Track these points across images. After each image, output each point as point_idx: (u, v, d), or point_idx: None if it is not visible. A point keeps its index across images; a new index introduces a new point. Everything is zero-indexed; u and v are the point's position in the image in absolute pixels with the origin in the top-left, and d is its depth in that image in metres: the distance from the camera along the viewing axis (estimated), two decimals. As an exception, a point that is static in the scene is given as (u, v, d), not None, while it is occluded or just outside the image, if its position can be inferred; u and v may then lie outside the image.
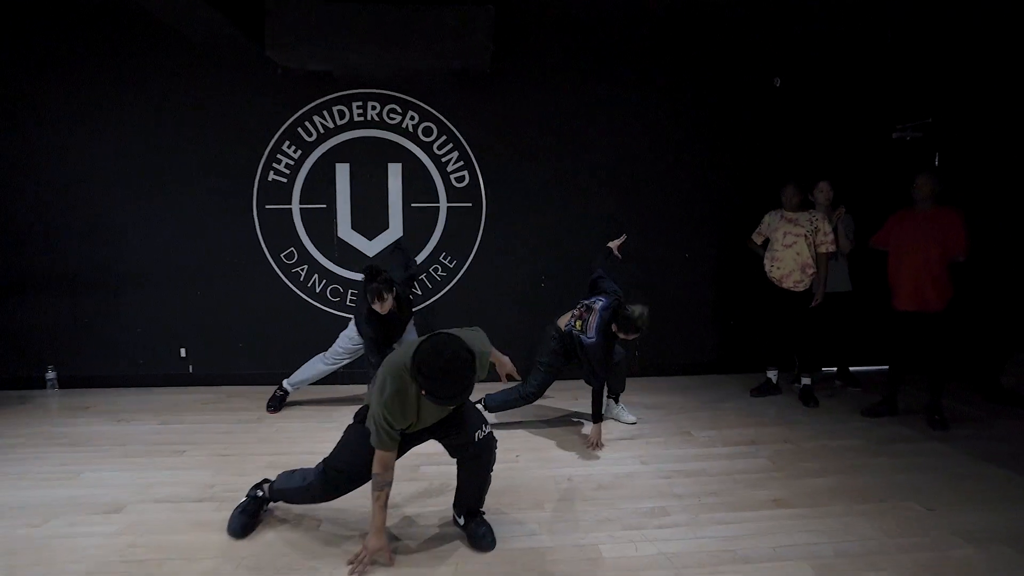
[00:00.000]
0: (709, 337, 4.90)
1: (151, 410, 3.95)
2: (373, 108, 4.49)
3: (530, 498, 2.65)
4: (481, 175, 4.58)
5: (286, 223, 4.52)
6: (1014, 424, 3.67)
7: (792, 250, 3.99)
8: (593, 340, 3.21)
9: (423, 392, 1.88)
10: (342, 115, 4.48)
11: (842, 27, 4.45)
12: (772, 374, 4.32)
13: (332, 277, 4.56)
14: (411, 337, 3.67)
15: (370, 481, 2.07)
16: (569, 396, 4.18)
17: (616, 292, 3.34)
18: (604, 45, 4.54)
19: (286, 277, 4.55)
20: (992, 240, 4.40)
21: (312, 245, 4.55)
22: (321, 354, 3.93)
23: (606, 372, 3.34)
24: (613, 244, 3.77)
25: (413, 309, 3.92)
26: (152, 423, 3.69)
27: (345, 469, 2.16)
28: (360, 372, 4.13)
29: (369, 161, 4.52)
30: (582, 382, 3.57)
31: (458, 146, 4.55)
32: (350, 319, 3.87)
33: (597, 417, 3.30)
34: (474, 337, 2.10)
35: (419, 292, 4.59)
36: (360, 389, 4.27)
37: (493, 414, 3.61)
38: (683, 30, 4.55)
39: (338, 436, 2.24)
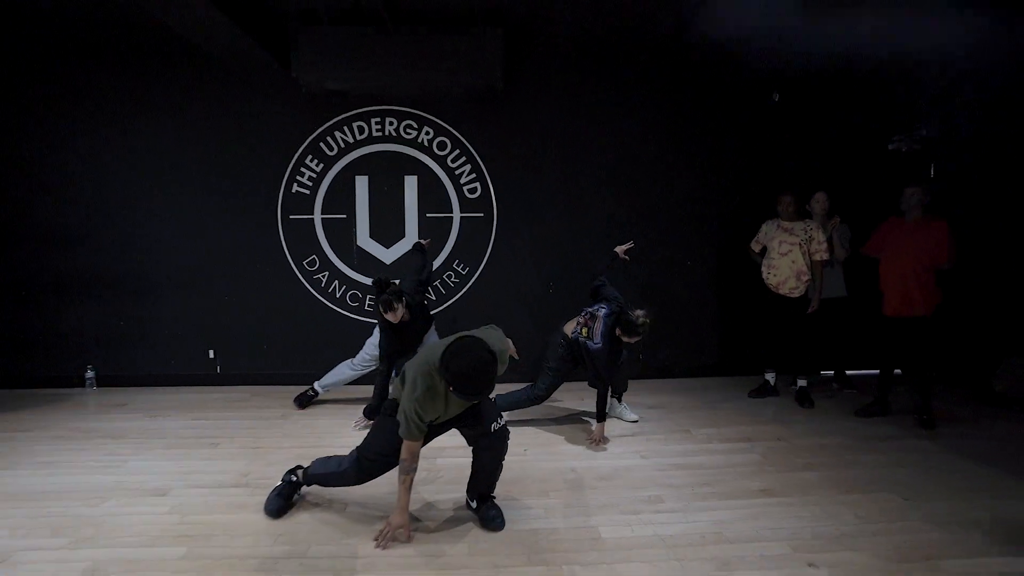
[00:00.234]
0: (710, 341, 5.11)
1: (183, 407, 4.23)
2: (391, 124, 4.77)
3: (537, 487, 2.87)
4: (492, 186, 4.84)
5: (309, 232, 4.80)
6: (1002, 425, 3.83)
7: (788, 258, 4.19)
8: (599, 346, 3.44)
9: (450, 388, 2.14)
10: (361, 131, 4.76)
11: (838, 44, 4.64)
12: (770, 376, 4.51)
13: (352, 283, 4.83)
14: (432, 339, 3.90)
15: (397, 466, 2.32)
16: (575, 397, 4.40)
17: (617, 299, 3.57)
18: (608, 64, 4.79)
19: (308, 283, 4.83)
20: (986, 248, 4.58)
21: (333, 253, 4.82)
22: (349, 360, 4.17)
23: (612, 375, 3.58)
24: (620, 249, 3.96)
25: (431, 313, 4.13)
26: (185, 419, 3.96)
27: (377, 457, 2.43)
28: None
29: (387, 174, 4.79)
30: (588, 384, 3.78)
31: (470, 159, 4.81)
32: (374, 324, 4.10)
33: (601, 417, 3.52)
34: (494, 336, 2.38)
35: (433, 298, 4.85)
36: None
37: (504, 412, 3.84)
38: (684, 49, 4.77)
39: (359, 431, 2.49)
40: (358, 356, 4.13)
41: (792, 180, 4.74)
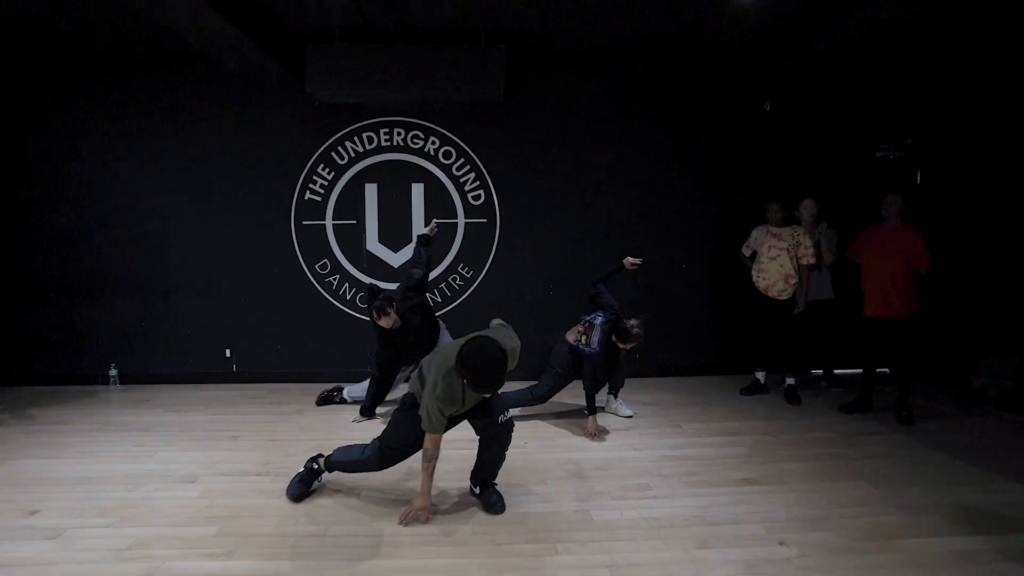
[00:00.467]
0: (705, 341, 5.33)
1: (203, 403, 4.49)
2: (398, 134, 5.01)
3: (535, 476, 3.11)
4: (495, 193, 5.08)
5: (320, 237, 5.05)
6: (978, 421, 4.03)
7: (776, 262, 4.41)
8: (596, 351, 3.72)
9: (464, 381, 2.40)
10: (371, 141, 5.01)
11: (829, 56, 4.83)
12: (760, 375, 4.73)
13: (361, 285, 5.07)
14: (446, 339, 4.12)
15: (414, 455, 2.62)
16: (575, 395, 4.61)
17: (613, 306, 3.82)
18: (605, 76, 5.03)
19: (320, 285, 5.08)
20: (968, 251, 4.79)
21: (343, 257, 5.07)
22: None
23: (606, 377, 3.88)
24: (628, 261, 4.07)
25: (436, 314, 4.32)
26: (207, 414, 4.22)
27: (398, 446, 2.69)
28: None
29: (395, 181, 5.04)
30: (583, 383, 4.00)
31: (474, 168, 5.05)
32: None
33: (591, 410, 3.78)
34: (505, 335, 2.63)
35: (439, 299, 5.09)
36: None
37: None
38: (678, 61, 5.01)
39: (372, 426, 2.72)
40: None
41: (781, 188, 4.96)
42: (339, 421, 4.04)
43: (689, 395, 4.70)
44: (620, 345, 3.69)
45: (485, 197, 5.09)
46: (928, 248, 3.89)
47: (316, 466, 2.88)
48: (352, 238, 5.07)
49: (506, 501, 2.74)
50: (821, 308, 4.67)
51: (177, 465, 3.23)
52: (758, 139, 5.16)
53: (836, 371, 5.02)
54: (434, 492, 2.83)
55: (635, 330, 3.62)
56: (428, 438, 2.55)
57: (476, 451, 2.79)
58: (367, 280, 5.06)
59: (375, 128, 5.00)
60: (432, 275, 5.05)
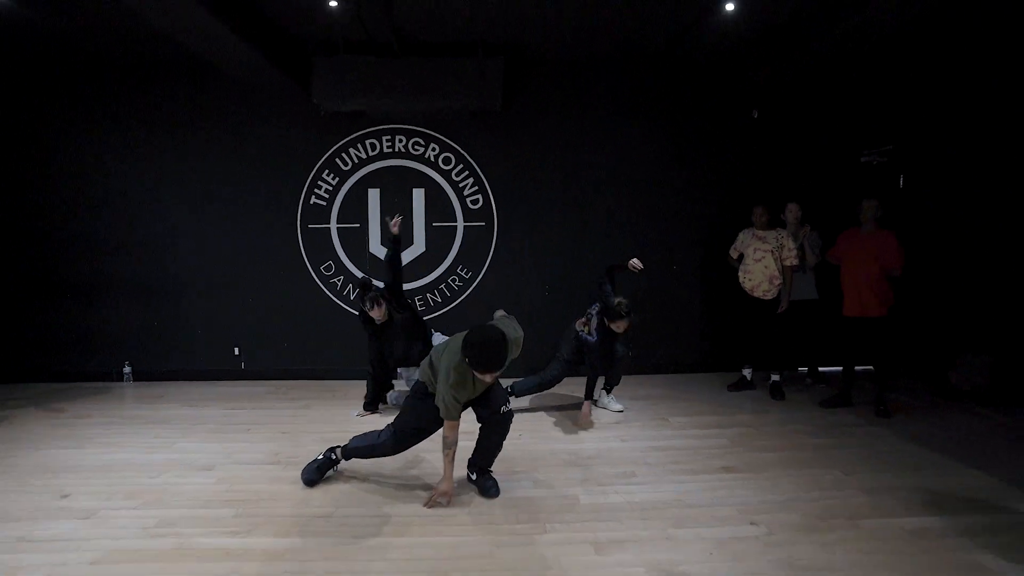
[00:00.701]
0: (695, 340, 5.55)
1: (215, 398, 4.72)
2: (400, 141, 5.23)
3: (528, 464, 3.33)
4: (493, 198, 5.30)
5: (325, 240, 5.28)
6: (952, 415, 4.22)
7: (761, 264, 4.62)
8: (594, 339, 3.96)
9: (466, 360, 2.57)
10: (373, 147, 5.23)
11: (819, 63, 5.03)
12: (747, 371, 4.95)
13: (365, 286, 5.30)
14: (438, 340, 4.34)
15: (421, 441, 2.91)
16: (568, 389, 4.84)
17: (608, 295, 4.02)
18: (599, 85, 5.25)
19: (325, 286, 5.30)
20: (945, 252, 4.99)
21: (347, 259, 5.29)
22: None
23: (607, 365, 4.12)
24: (632, 263, 4.20)
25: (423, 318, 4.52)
26: (220, 408, 4.45)
27: (411, 431, 2.92)
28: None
29: (396, 187, 5.27)
30: (583, 380, 4.19)
31: (473, 173, 5.27)
32: (382, 324, 4.53)
33: (588, 395, 4.03)
34: (508, 324, 2.84)
35: (439, 299, 5.31)
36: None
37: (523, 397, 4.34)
38: (670, 69, 5.22)
39: (378, 419, 2.94)
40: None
41: (766, 192, 5.16)
42: (345, 415, 4.26)
43: (678, 391, 4.92)
44: (614, 327, 3.89)
45: (483, 202, 5.30)
46: (902, 251, 4.10)
47: (334, 456, 3.09)
48: (356, 241, 5.29)
49: (500, 486, 2.95)
50: (805, 308, 4.87)
51: (195, 455, 3.46)
52: (747, 145, 5.37)
53: (820, 368, 5.22)
54: (432, 479, 3.05)
55: (621, 308, 3.80)
56: (447, 425, 2.76)
57: (474, 442, 3.00)
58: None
59: (378, 135, 5.22)
60: (431, 276, 5.30)
